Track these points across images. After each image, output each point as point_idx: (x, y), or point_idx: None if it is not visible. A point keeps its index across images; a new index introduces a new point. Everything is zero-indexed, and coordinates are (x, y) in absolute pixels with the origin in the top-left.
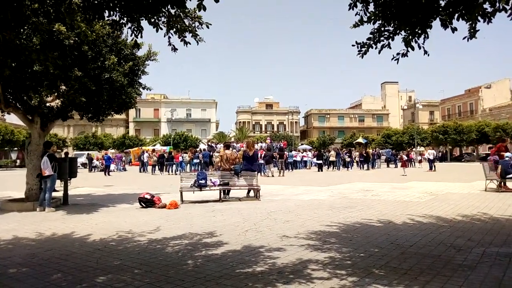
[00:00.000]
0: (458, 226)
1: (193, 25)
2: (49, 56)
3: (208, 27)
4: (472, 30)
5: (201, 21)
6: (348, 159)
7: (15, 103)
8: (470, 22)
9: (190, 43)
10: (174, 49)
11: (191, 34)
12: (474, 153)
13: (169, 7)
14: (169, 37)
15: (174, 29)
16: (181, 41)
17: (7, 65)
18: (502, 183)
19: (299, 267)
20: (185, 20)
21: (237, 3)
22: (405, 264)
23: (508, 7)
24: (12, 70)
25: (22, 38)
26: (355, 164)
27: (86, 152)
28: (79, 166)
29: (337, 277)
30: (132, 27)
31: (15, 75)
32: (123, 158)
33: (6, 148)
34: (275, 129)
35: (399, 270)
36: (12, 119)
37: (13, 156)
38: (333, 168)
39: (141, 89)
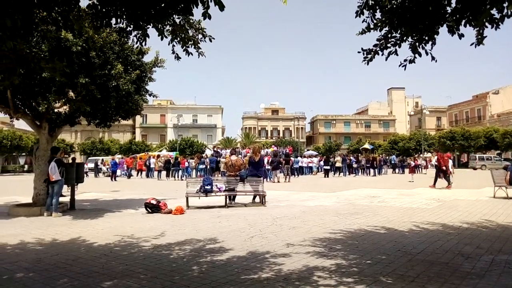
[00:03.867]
0: (466, 233)
1: (197, 37)
2: (56, 64)
3: (211, 40)
4: (479, 36)
5: (204, 33)
6: (355, 165)
7: (23, 109)
8: (478, 28)
9: (192, 54)
10: (178, 57)
11: (193, 46)
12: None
13: (175, 16)
14: (173, 46)
15: (178, 38)
16: (183, 50)
17: (16, 73)
18: (433, 183)
19: (305, 274)
20: (189, 31)
21: (243, 9)
22: (413, 271)
23: None
24: (21, 77)
25: (31, 45)
26: (360, 170)
27: (100, 158)
28: (89, 171)
29: (344, 285)
30: (138, 35)
31: (24, 82)
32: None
33: (14, 154)
34: (281, 134)
35: (406, 278)
36: (21, 124)
37: (21, 161)
38: (339, 174)
39: (147, 96)
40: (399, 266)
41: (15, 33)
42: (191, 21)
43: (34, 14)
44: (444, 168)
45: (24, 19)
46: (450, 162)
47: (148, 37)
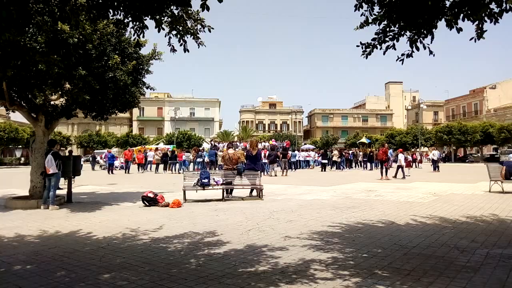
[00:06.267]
0: (462, 227)
1: (196, 27)
2: (51, 58)
3: (210, 31)
4: (479, 31)
5: (203, 23)
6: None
7: (19, 101)
8: (477, 23)
9: (189, 51)
10: (173, 50)
11: (192, 37)
12: (479, 154)
13: (173, 7)
14: (170, 38)
15: (175, 31)
16: (180, 45)
17: (10, 65)
18: (383, 175)
19: (302, 267)
20: (188, 22)
21: (241, 2)
22: (408, 265)
23: None
24: (16, 69)
25: (26, 37)
26: (355, 164)
27: (104, 151)
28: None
29: (340, 278)
30: (135, 27)
31: (19, 74)
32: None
33: (10, 146)
34: (279, 128)
35: (402, 271)
36: (17, 117)
37: (18, 154)
38: (336, 168)
39: (144, 88)
40: (395, 260)
41: (11, 25)
42: (189, 11)
43: (29, 5)
44: (381, 160)
45: (20, 11)
46: (403, 157)
47: (147, 28)
